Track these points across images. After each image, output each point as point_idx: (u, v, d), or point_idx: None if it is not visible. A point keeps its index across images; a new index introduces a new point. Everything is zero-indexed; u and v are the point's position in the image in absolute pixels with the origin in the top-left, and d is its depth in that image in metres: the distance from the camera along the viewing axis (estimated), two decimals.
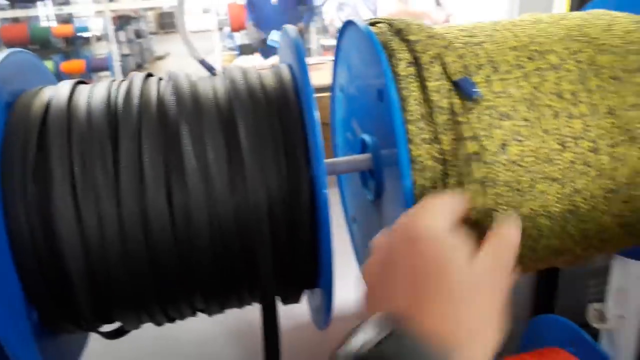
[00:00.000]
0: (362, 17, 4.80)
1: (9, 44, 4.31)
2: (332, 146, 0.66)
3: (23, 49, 0.49)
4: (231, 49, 5.14)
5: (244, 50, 4.25)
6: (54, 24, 5.16)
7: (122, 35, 5.65)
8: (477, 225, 0.43)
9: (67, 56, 4.78)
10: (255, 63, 3.09)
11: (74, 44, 5.06)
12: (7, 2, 4.63)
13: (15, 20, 4.84)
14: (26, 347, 0.42)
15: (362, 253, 0.62)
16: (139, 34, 6.27)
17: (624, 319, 0.73)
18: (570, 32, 0.50)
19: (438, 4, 2.19)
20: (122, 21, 5.81)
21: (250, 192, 0.42)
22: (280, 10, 3.53)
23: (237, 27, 4.57)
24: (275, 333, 0.49)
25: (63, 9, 5.02)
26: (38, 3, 4.85)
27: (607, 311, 0.75)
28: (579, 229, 0.49)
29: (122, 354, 0.90)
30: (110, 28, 4.89)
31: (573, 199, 0.47)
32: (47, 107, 0.44)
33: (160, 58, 7.07)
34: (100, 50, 5.35)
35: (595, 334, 0.79)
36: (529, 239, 0.48)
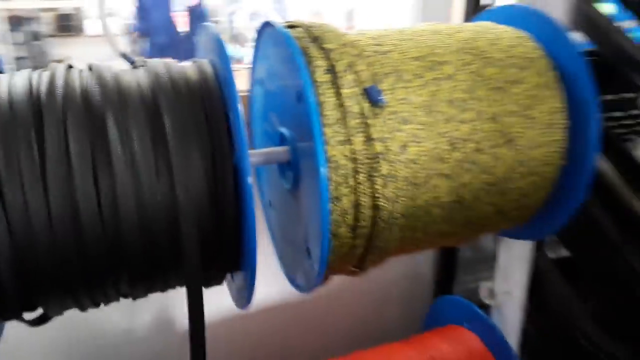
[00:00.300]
0: None
1: None
2: (250, 136, 0.69)
3: None
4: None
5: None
6: None
7: (16, 37, 5.21)
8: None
9: None
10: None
11: None
12: None
13: None
14: None
15: (278, 236, 0.67)
16: (35, 36, 5.79)
17: (510, 294, 0.84)
18: (464, 44, 0.57)
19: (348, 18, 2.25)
20: (16, 22, 5.33)
21: (176, 179, 0.45)
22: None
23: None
24: (201, 316, 0.52)
25: None
26: None
27: (496, 288, 0.86)
28: (464, 215, 0.57)
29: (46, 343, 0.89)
30: (4, 28, 4.53)
31: (460, 191, 0.55)
32: None
33: (58, 62, 6.56)
34: None
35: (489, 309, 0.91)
36: (422, 225, 0.55)
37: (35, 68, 0.50)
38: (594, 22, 0.69)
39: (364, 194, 0.49)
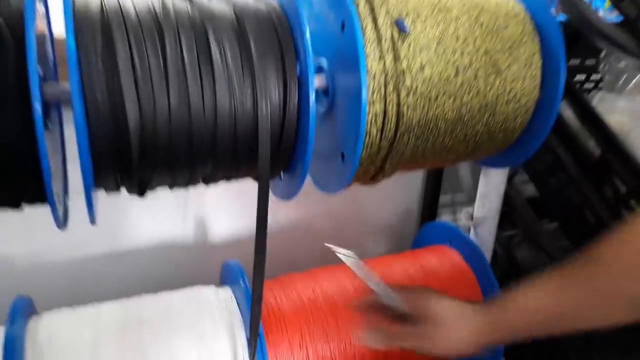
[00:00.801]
0: None
1: None
2: None
3: None
4: None
5: None
6: None
7: None
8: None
9: None
10: None
11: None
12: None
13: None
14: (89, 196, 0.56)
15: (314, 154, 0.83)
16: None
17: (486, 218, 1.03)
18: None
19: None
20: None
21: (257, 88, 0.60)
22: None
23: None
24: (266, 205, 0.66)
25: None
26: None
27: (475, 213, 1.04)
28: (463, 132, 0.74)
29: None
30: None
31: (460, 110, 0.71)
32: (102, 4, 0.57)
33: None
34: None
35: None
36: (432, 136, 0.72)
37: None
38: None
39: (392, 102, 0.65)
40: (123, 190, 0.65)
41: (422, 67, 0.67)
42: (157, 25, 0.58)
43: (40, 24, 0.59)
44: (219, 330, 0.80)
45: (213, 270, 0.98)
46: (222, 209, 1.12)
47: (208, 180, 0.68)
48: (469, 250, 1.02)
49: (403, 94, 0.65)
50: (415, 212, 1.34)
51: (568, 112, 0.97)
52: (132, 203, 1.05)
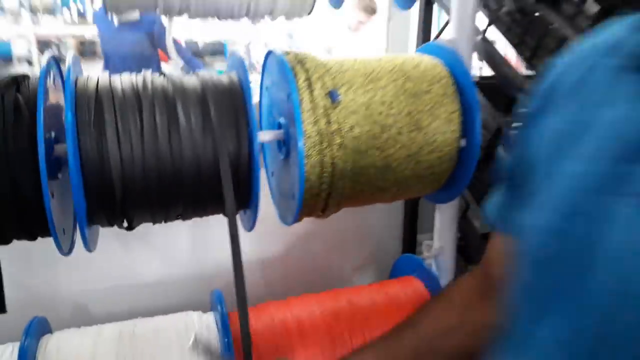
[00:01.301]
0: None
1: None
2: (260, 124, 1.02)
3: None
4: None
5: None
6: None
7: (42, 59, 5.64)
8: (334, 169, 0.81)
9: None
10: None
11: None
12: None
13: None
14: (83, 230, 0.74)
15: (276, 194, 0.99)
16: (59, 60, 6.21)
17: (443, 249, 1.15)
18: (394, 67, 0.90)
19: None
20: (43, 45, 5.81)
21: (217, 142, 0.77)
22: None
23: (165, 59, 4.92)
24: (237, 236, 0.82)
25: None
26: None
27: (434, 245, 1.17)
28: (393, 177, 0.89)
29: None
30: (34, 51, 5.00)
31: (388, 159, 0.87)
32: (97, 85, 0.77)
33: None
34: (21, 70, 5.33)
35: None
36: (365, 180, 0.87)
37: None
38: (491, 55, 1.02)
39: (325, 155, 0.81)
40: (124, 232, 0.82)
41: (351, 128, 0.83)
42: (137, 98, 0.76)
43: (54, 96, 0.79)
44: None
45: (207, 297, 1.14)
46: (214, 243, 1.29)
47: (182, 216, 0.85)
48: (430, 281, 1.14)
49: (335, 149, 0.81)
50: (397, 246, 1.47)
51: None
52: (137, 242, 1.23)
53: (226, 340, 0.95)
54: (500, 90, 1.02)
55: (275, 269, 1.35)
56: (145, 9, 0.75)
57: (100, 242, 0.86)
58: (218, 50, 5.58)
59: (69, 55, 0.78)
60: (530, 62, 0.93)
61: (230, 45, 5.68)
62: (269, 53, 0.90)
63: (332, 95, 0.82)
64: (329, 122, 0.81)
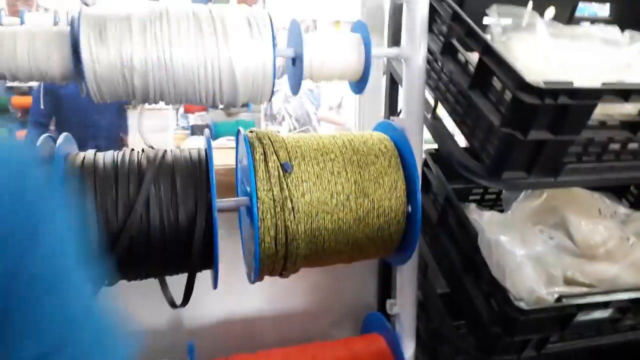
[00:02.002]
0: (307, 109, 5.58)
1: None
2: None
3: None
4: (184, 127, 5.74)
5: (195, 130, 4.91)
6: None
7: None
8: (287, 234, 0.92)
9: (22, 125, 5.11)
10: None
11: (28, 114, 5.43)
12: None
13: None
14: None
15: (246, 253, 1.10)
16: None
17: (404, 307, 1.23)
18: (345, 143, 1.02)
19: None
20: None
21: (180, 210, 0.90)
22: None
23: (192, 109, 5.24)
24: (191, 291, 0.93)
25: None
26: None
27: (397, 303, 1.25)
28: (345, 239, 0.99)
29: None
30: None
31: (338, 223, 0.97)
32: (83, 162, 0.90)
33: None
34: None
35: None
36: (319, 242, 0.98)
37: None
38: (438, 130, 1.15)
39: (279, 218, 0.93)
40: None
41: (303, 194, 0.95)
42: (114, 173, 0.90)
43: None
44: None
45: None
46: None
47: (152, 275, 0.96)
48: (391, 338, 1.21)
49: (287, 213, 0.93)
50: (373, 303, 1.55)
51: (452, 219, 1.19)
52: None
53: None
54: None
55: (258, 322, 1.44)
56: (125, 98, 0.89)
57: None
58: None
59: (61, 136, 0.92)
60: (469, 139, 1.05)
61: None
62: (238, 132, 1.04)
63: (284, 166, 0.95)
64: (281, 189, 0.93)
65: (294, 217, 0.94)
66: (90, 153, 0.95)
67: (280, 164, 0.95)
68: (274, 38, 0.94)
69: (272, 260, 0.97)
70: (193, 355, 1.10)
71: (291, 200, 0.94)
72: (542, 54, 1.10)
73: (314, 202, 0.96)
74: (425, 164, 1.22)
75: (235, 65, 0.92)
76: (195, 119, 5.88)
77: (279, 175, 0.94)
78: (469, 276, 1.09)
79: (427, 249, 1.26)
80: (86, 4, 1.16)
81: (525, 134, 0.89)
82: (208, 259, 0.96)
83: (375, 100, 1.46)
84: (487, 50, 0.94)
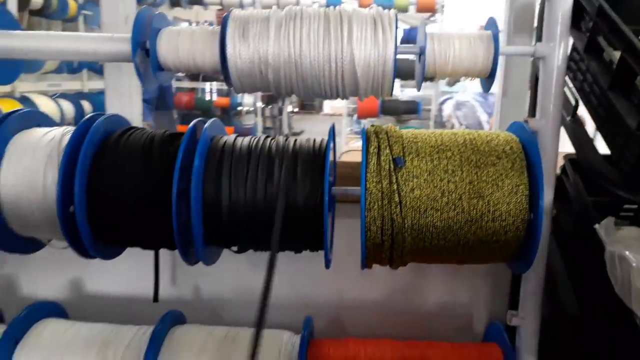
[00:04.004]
0: (479, 117, 5.43)
1: (179, 107, 5.70)
2: None
3: None
4: (356, 132, 6.02)
5: None
6: (215, 96, 6.40)
7: (267, 111, 6.68)
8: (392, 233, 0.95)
9: (222, 123, 5.92)
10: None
11: (228, 114, 6.21)
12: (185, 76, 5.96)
13: (189, 90, 6.12)
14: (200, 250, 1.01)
15: None
16: (281, 112, 7.24)
17: (524, 320, 1.16)
18: (466, 141, 1.00)
19: None
20: (269, 99, 6.82)
21: (299, 194, 0.98)
22: None
23: (364, 115, 5.48)
24: (273, 265, 1.01)
25: (224, 85, 6.26)
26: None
27: (517, 314, 1.18)
28: (455, 239, 0.98)
29: None
30: (259, 104, 6.01)
31: (448, 222, 0.96)
32: (224, 145, 1.05)
33: (296, 134, 8.11)
34: (248, 121, 6.45)
35: None
36: (426, 238, 0.98)
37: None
38: (577, 134, 1.05)
39: (385, 210, 0.96)
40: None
41: (412, 189, 0.96)
42: (247, 156, 1.02)
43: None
44: None
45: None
46: (315, 276, 1.47)
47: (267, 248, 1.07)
48: (508, 351, 1.15)
49: (393, 206, 0.96)
50: (501, 314, 1.47)
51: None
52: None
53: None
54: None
55: (377, 311, 1.48)
56: (261, 90, 1.01)
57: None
58: (412, 108, 5.97)
59: (210, 120, 1.08)
60: (608, 145, 0.95)
61: (424, 103, 6.05)
62: (363, 128, 1.09)
63: (396, 161, 0.97)
64: (390, 183, 0.96)
65: (401, 210, 0.96)
66: (232, 137, 1.09)
67: (393, 158, 0.98)
68: (396, 38, 0.97)
69: (378, 249, 1.00)
70: (308, 330, 1.18)
71: (399, 195, 0.96)
72: None
73: (422, 198, 0.96)
74: (563, 170, 1.13)
75: (357, 61, 0.97)
76: (367, 124, 6.10)
77: (389, 169, 0.97)
78: (594, 296, 0.98)
79: (560, 263, 1.16)
80: None
81: None
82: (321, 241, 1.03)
83: (519, 102, 1.38)
84: (630, 47, 0.84)
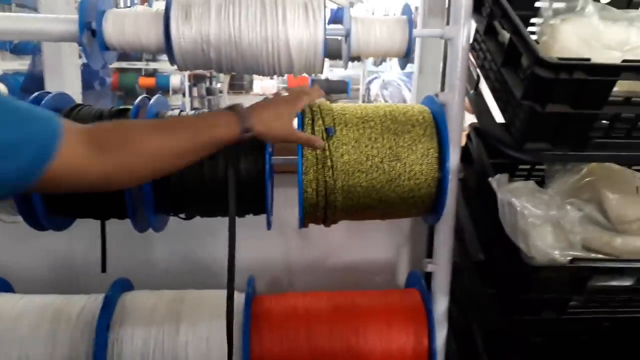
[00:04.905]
0: (404, 95, 5.63)
1: None
2: None
3: None
4: None
5: None
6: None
7: (195, 91, 6.54)
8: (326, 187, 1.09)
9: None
10: None
11: (153, 95, 6.05)
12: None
13: (114, 70, 5.86)
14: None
15: None
16: (210, 91, 7.01)
17: (438, 266, 1.35)
18: (386, 113, 1.16)
19: None
20: (196, 79, 6.65)
21: (244, 167, 1.10)
22: None
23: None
24: (233, 232, 1.14)
25: (150, 64, 6.04)
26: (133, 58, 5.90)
27: (433, 261, 1.37)
28: (377, 196, 1.14)
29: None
30: (186, 84, 5.89)
31: (371, 182, 1.12)
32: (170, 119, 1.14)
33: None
34: (175, 102, 6.28)
35: None
36: (355, 197, 1.13)
37: None
38: (479, 105, 1.24)
39: (319, 173, 1.10)
40: None
41: (342, 155, 1.11)
42: None
43: None
44: None
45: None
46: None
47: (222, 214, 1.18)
48: (425, 294, 1.34)
49: (327, 170, 1.10)
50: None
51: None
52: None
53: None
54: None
55: (313, 269, 1.63)
56: (203, 69, 1.11)
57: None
58: (342, 88, 6.16)
59: (155, 96, 1.16)
60: (503, 113, 1.14)
61: (353, 83, 6.23)
62: None
63: (328, 131, 1.11)
64: (323, 150, 1.10)
65: (333, 173, 1.10)
66: (176, 112, 1.18)
67: (325, 128, 1.11)
68: (324, 20, 1.10)
69: (314, 209, 1.15)
70: (251, 287, 1.31)
71: (331, 160, 1.10)
72: (589, 36, 1.15)
73: (351, 162, 1.11)
74: (469, 137, 1.32)
75: (291, 42, 1.09)
76: None
77: (322, 137, 1.11)
78: (492, 240, 1.18)
79: (467, 217, 1.36)
80: None
81: (544, 107, 0.97)
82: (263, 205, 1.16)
83: (434, 78, 1.56)
84: (515, 31, 1.02)
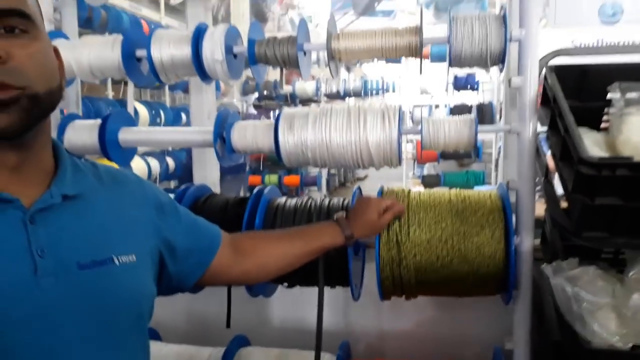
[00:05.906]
0: None
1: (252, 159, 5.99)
2: None
3: None
4: (418, 176, 6.27)
5: (425, 179, 5.48)
6: None
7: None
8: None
9: (289, 172, 6.11)
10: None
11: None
12: None
13: None
14: None
15: None
16: (341, 184, 7.34)
17: (516, 345, 1.41)
18: (457, 211, 1.32)
19: None
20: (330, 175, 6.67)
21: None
22: None
23: (425, 160, 5.85)
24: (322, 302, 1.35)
25: None
26: None
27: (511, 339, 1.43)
28: (451, 273, 1.28)
29: None
30: (323, 180, 6.21)
31: (445, 262, 1.27)
32: (277, 206, 1.43)
33: (360, 179, 8.26)
34: (313, 170, 6.77)
35: None
36: (429, 274, 1.29)
37: (341, 184, 1.45)
38: (548, 193, 1.33)
39: (395, 272, 1.28)
40: None
41: (414, 255, 1.29)
42: (293, 213, 1.39)
43: None
44: None
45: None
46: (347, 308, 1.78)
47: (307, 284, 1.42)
48: None
49: (402, 267, 1.28)
50: None
51: None
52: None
53: None
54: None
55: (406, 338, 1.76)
56: (304, 165, 1.40)
57: None
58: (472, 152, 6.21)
59: (268, 187, 1.47)
60: (567, 201, 1.23)
61: (485, 147, 6.24)
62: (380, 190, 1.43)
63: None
64: (399, 251, 1.29)
65: (406, 270, 1.29)
66: (283, 199, 1.47)
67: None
68: (400, 123, 1.33)
69: (392, 283, 1.33)
70: (343, 350, 1.50)
71: (406, 259, 1.28)
72: None
73: (422, 262, 1.28)
74: (545, 221, 1.41)
75: (370, 142, 1.33)
76: (428, 168, 6.37)
77: (397, 240, 1.29)
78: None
79: (547, 296, 1.41)
80: None
81: (593, 200, 1.06)
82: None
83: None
84: (566, 128, 1.14)
